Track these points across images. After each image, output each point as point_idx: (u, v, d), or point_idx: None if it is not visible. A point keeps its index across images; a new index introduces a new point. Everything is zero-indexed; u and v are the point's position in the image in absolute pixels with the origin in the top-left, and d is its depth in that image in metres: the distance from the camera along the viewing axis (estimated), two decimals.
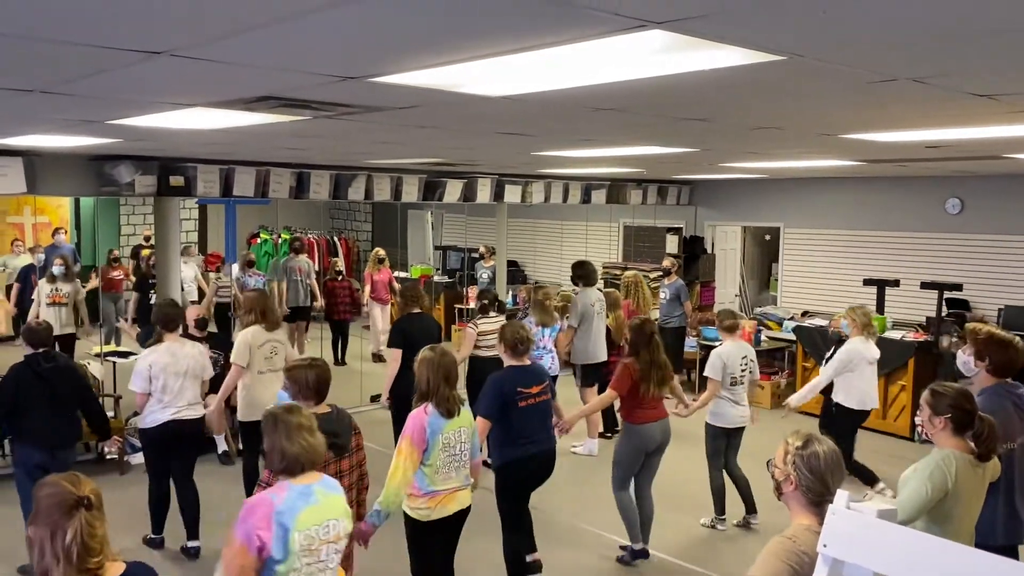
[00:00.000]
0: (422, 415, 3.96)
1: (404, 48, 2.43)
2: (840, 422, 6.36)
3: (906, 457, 7.69)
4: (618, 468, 5.44)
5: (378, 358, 11.19)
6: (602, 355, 7.93)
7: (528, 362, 4.89)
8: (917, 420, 8.73)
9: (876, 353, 6.53)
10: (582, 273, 7.91)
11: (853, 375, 6.38)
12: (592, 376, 7.88)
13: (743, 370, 5.93)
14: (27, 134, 5.27)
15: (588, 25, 2.07)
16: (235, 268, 11.29)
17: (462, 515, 4.20)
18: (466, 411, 4.14)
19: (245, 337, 5.80)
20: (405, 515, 4.09)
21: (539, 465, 4.88)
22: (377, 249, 12.10)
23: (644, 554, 5.49)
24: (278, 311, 5.94)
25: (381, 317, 11.50)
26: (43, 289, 8.86)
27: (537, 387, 4.79)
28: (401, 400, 6.21)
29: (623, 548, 5.54)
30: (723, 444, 5.95)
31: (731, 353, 5.90)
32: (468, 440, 4.14)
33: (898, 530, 2.02)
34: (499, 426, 4.72)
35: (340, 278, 11.49)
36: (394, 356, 6.50)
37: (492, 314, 7.21)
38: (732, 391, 5.87)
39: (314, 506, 2.89)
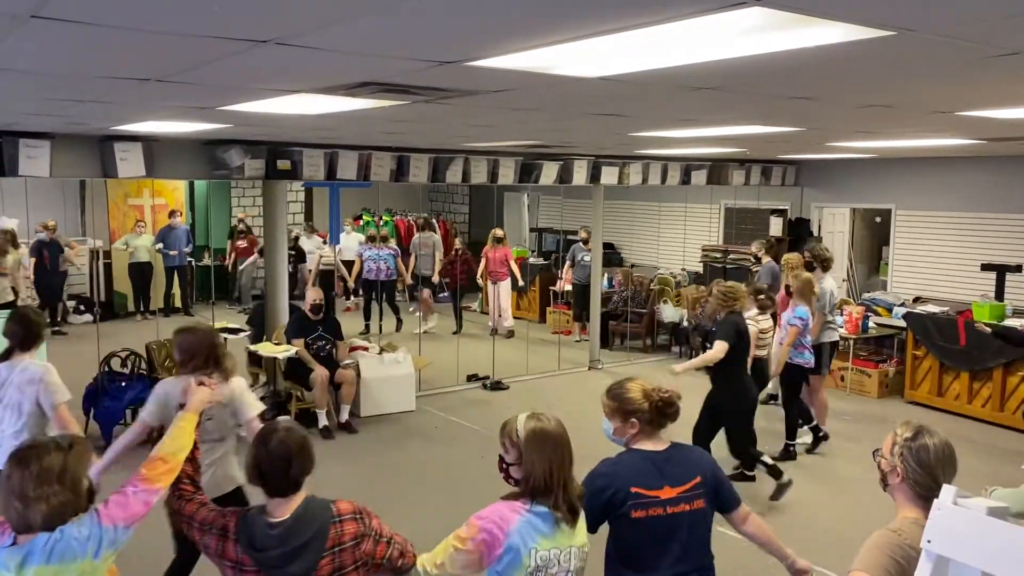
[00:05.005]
0: (511, 516, 2.55)
1: (501, 31, 2.44)
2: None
3: None
4: None
5: (495, 332, 11.92)
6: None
7: (665, 443, 2.97)
8: None
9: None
10: (822, 257, 7.79)
11: None
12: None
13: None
14: (146, 120, 5.56)
15: (685, 4, 2.04)
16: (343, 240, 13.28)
17: None
18: (581, 521, 2.65)
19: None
20: None
21: None
22: (495, 228, 12.47)
23: None
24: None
25: (496, 293, 11.85)
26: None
27: (675, 489, 2.87)
28: (733, 414, 6.07)
29: None
30: None
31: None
32: (577, 571, 2.64)
33: (1010, 528, 1.92)
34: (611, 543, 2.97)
35: (459, 253, 12.87)
36: (720, 348, 5.95)
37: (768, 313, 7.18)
38: None
39: None
